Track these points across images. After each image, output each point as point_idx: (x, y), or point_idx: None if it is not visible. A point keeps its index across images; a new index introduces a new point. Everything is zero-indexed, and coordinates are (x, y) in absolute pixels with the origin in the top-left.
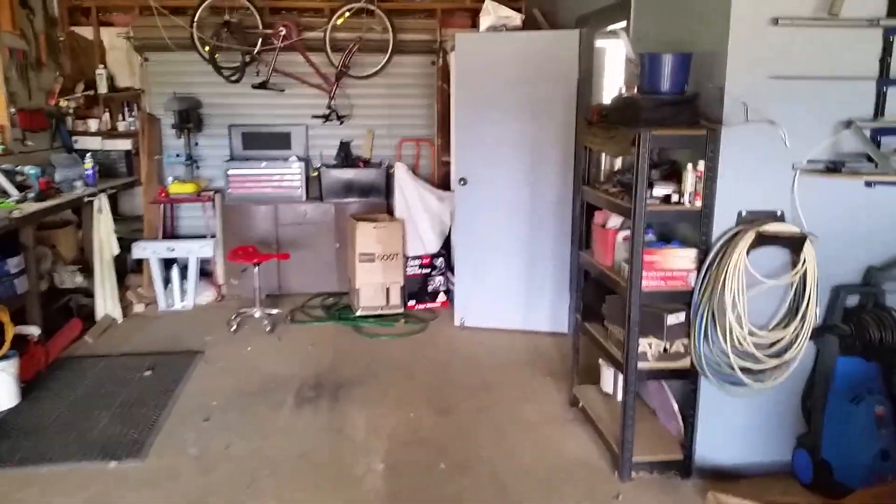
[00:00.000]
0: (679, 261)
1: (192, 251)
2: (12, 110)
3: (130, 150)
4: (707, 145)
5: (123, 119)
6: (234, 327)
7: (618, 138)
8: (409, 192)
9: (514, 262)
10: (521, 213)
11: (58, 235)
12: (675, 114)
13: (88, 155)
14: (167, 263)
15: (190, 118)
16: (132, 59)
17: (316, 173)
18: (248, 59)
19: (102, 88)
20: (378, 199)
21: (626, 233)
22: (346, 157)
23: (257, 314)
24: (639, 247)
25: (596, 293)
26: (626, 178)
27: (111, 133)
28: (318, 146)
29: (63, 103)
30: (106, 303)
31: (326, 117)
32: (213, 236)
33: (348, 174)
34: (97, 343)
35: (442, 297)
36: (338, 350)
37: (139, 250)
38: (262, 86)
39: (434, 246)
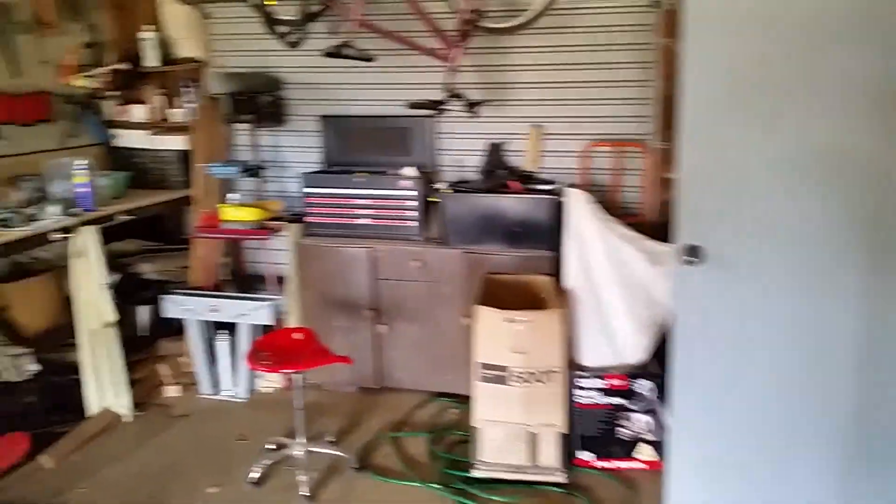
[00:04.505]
0: None
1: (243, 314)
2: None
3: (186, 150)
4: None
5: (183, 104)
6: (258, 474)
7: None
8: (592, 244)
9: (819, 430)
10: (846, 340)
11: (15, 291)
12: None
13: (82, 163)
14: (218, 328)
15: (255, 105)
16: (196, 17)
17: (436, 200)
18: (312, 5)
19: (151, 60)
20: (538, 251)
21: None
22: (492, 170)
23: (297, 452)
24: None
25: None
26: None
27: (160, 125)
28: (455, 151)
29: (81, 82)
30: (104, 392)
31: (436, 105)
32: (274, 293)
33: (487, 203)
34: (58, 470)
35: (648, 451)
36: None
37: (171, 306)
38: (339, 52)
39: (635, 352)
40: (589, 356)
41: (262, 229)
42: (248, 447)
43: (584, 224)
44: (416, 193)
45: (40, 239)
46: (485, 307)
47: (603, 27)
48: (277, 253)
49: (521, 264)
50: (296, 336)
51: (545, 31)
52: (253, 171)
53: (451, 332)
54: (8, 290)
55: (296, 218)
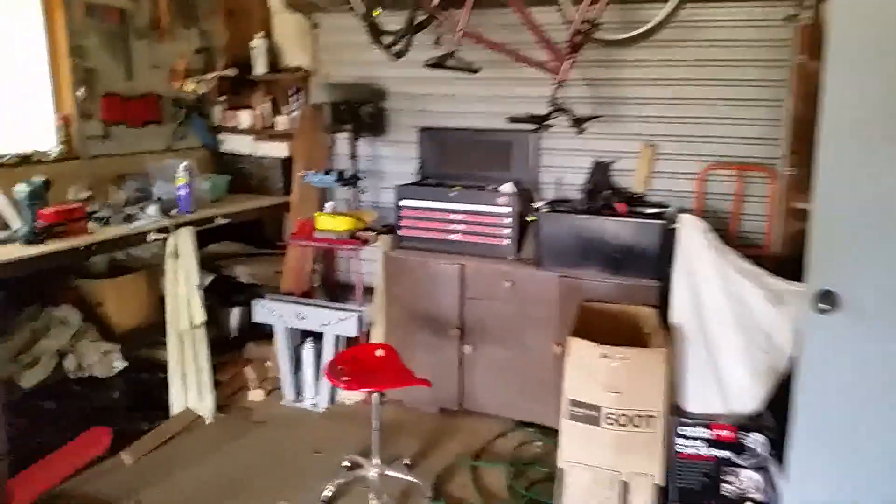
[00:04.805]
0: None
1: (329, 324)
2: (79, 93)
3: (288, 157)
4: None
5: (288, 112)
6: (330, 493)
7: None
8: (706, 277)
9: None
10: None
11: (110, 288)
12: None
13: (182, 166)
14: (306, 335)
15: (356, 115)
16: (305, 27)
17: (533, 219)
18: (418, 16)
19: (260, 68)
20: (642, 280)
21: None
22: (596, 190)
23: (371, 474)
24: None
25: None
26: None
27: (264, 132)
28: (557, 167)
29: (190, 87)
30: (187, 392)
31: (543, 120)
32: (361, 304)
33: (588, 225)
34: (138, 466)
35: None
36: None
37: (261, 311)
38: (442, 62)
39: (747, 401)
40: (694, 401)
41: (354, 239)
42: (324, 462)
43: (697, 254)
44: (511, 210)
45: (138, 238)
46: (579, 339)
47: (729, 41)
48: (368, 263)
49: (622, 293)
50: (378, 353)
51: (664, 44)
52: (349, 180)
53: (541, 359)
54: (103, 287)
55: (388, 229)
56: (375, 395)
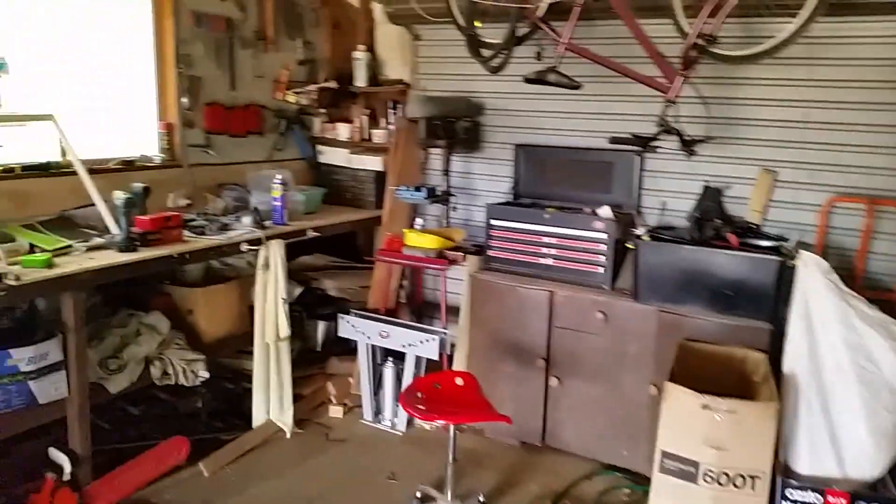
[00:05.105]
0: None
1: (411, 345)
2: (184, 101)
3: (382, 171)
4: None
5: (386, 125)
6: None
7: None
8: (826, 323)
9: None
10: None
11: (201, 296)
12: None
13: (278, 178)
14: (388, 353)
15: (451, 130)
16: (406, 39)
17: (632, 246)
18: (519, 28)
19: (360, 80)
20: (752, 321)
21: None
22: (704, 218)
23: None
24: None
25: None
26: None
27: (360, 145)
28: (661, 192)
29: (292, 98)
30: (269, 404)
31: (649, 141)
32: (445, 325)
33: (693, 256)
34: (215, 478)
35: None
36: None
37: (345, 326)
38: (543, 77)
39: (867, 466)
40: (805, 462)
41: (441, 259)
42: (398, 489)
43: (817, 296)
44: (609, 236)
45: (231, 248)
46: (678, 386)
47: (866, 60)
48: (455, 283)
49: (728, 334)
50: (458, 381)
51: (790, 62)
52: (440, 198)
53: (634, 400)
54: (195, 295)
55: (477, 249)
56: (452, 427)
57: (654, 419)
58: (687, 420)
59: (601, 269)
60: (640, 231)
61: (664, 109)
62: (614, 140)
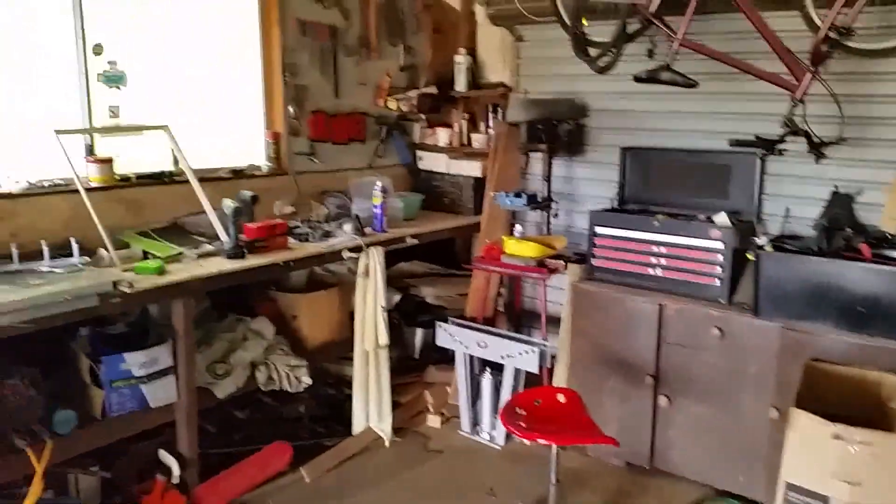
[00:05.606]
0: None
1: (510, 356)
2: (291, 110)
3: (482, 176)
4: None
5: (486, 130)
6: None
7: None
8: None
9: None
10: None
11: (305, 302)
12: None
13: (378, 186)
14: (486, 363)
15: (553, 133)
16: (508, 41)
17: (752, 257)
18: (629, 25)
19: (460, 84)
20: (890, 341)
21: None
22: (833, 227)
23: None
24: None
25: None
26: None
27: (459, 150)
28: (784, 197)
29: (393, 104)
30: (368, 413)
31: (774, 144)
32: (545, 336)
33: (822, 269)
34: (316, 484)
35: None
36: None
37: (443, 335)
38: (656, 76)
39: None
40: None
41: (541, 268)
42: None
43: None
44: (725, 246)
45: (333, 255)
46: (805, 413)
47: None
48: (556, 292)
49: (862, 355)
50: (559, 397)
51: None
52: (541, 204)
53: (753, 423)
54: (299, 301)
55: (579, 258)
56: (555, 447)
57: (774, 445)
58: (815, 450)
59: (717, 282)
60: (761, 240)
61: (790, 109)
62: (735, 143)
